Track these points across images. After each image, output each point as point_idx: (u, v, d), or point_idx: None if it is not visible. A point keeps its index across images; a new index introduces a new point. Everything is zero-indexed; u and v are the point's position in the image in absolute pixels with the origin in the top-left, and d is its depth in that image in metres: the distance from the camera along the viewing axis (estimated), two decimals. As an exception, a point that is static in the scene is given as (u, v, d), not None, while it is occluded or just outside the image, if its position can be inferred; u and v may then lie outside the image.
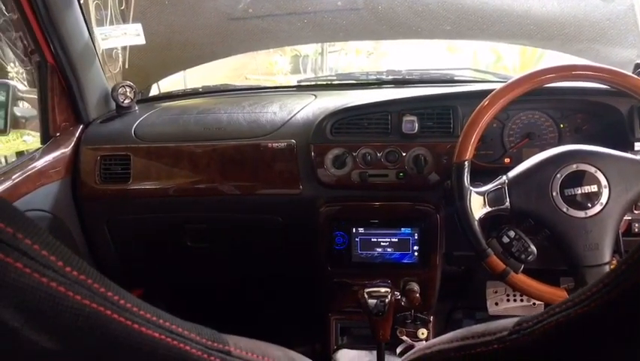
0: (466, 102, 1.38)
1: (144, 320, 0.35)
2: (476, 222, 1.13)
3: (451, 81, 1.76)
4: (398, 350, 1.47)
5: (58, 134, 1.53)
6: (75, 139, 1.52)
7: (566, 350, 0.38)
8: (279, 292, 1.83)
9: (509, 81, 1.18)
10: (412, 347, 1.47)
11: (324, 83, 1.88)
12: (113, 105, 1.65)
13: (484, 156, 1.42)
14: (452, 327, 1.98)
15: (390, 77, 1.80)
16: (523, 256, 1.11)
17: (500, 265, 1.12)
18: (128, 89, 1.62)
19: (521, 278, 1.12)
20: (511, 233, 1.12)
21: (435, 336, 1.51)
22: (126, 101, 1.62)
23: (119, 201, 1.49)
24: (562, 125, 1.43)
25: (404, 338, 1.44)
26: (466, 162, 1.15)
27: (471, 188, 1.14)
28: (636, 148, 1.32)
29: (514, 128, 1.43)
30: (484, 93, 1.26)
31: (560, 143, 1.42)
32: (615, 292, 0.33)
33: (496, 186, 1.14)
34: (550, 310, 0.39)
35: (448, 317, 2.00)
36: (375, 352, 1.28)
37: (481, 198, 1.14)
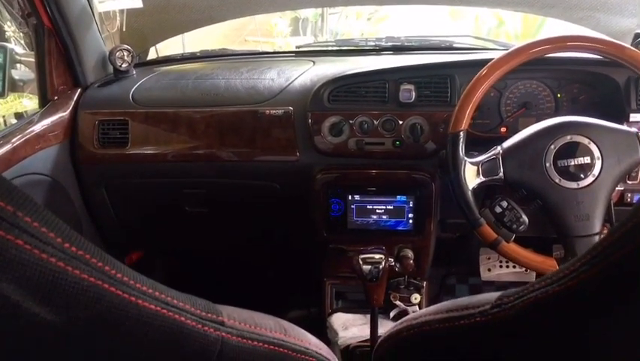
0: (463, 71, 1.37)
1: (140, 293, 0.36)
2: (469, 192, 1.14)
3: (450, 48, 1.75)
4: (391, 315, 1.50)
5: (56, 97, 1.53)
6: (73, 103, 1.52)
7: (545, 324, 0.40)
8: (276, 258, 1.86)
9: (506, 52, 1.18)
10: (405, 311, 1.50)
11: (323, 49, 1.87)
12: (111, 69, 1.64)
13: (480, 125, 1.42)
14: (445, 292, 2.02)
15: (389, 44, 1.78)
16: (514, 226, 1.13)
17: (492, 234, 1.14)
18: (125, 53, 1.62)
19: (512, 247, 1.15)
20: (504, 203, 1.14)
21: (428, 301, 1.55)
22: (124, 65, 1.62)
23: (118, 166, 1.50)
24: (559, 95, 1.43)
25: (397, 302, 1.47)
26: (461, 133, 1.16)
27: (465, 158, 1.15)
28: (631, 119, 1.32)
29: (511, 97, 1.44)
30: (482, 62, 1.26)
31: (556, 113, 1.42)
32: (590, 273, 0.35)
33: (491, 156, 1.16)
34: (530, 286, 0.41)
35: (441, 282, 2.04)
36: (368, 316, 1.30)
37: (475, 168, 1.15)
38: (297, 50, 1.87)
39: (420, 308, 1.49)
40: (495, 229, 1.14)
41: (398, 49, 1.77)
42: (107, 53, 1.62)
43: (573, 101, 1.43)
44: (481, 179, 1.15)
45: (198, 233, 1.68)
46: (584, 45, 1.16)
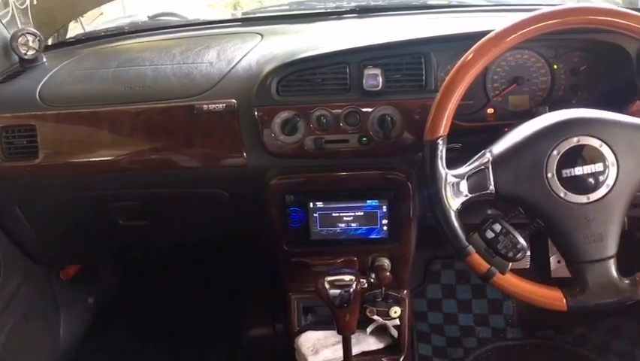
0: (440, 47, 1.14)
1: None
2: (453, 214, 0.91)
3: (425, 7, 1.51)
4: (368, 330, 1.34)
5: (-56, 100, 1.26)
6: None
7: None
8: (234, 269, 1.63)
9: (499, 30, 0.91)
10: (384, 326, 1.32)
11: (274, 14, 1.58)
12: (16, 58, 1.36)
13: (462, 107, 1.16)
14: (430, 280, 1.84)
15: (353, 4, 1.52)
16: (510, 254, 0.90)
17: (484, 264, 0.91)
18: (30, 38, 1.33)
19: (509, 279, 0.92)
20: (497, 227, 0.90)
21: (411, 310, 1.35)
22: (30, 53, 1.34)
23: (29, 181, 1.24)
24: (555, 67, 1.20)
25: (375, 317, 1.30)
26: (440, 140, 0.91)
27: (447, 171, 0.91)
28: None
29: (498, 71, 1.20)
30: (462, 37, 1.06)
31: (552, 87, 1.21)
32: None
33: (478, 166, 0.91)
34: None
35: (425, 268, 1.85)
36: None
37: (460, 182, 0.91)
38: (244, 17, 1.58)
39: (401, 322, 1.31)
40: (487, 258, 0.91)
41: (363, 10, 1.51)
42: (9, 39, 1.33)
43: (572, 73, 1.20)
44: (467, 196, 0.91)
45: (139, 246, 1.44)
46: (627, 25, 0.90)
